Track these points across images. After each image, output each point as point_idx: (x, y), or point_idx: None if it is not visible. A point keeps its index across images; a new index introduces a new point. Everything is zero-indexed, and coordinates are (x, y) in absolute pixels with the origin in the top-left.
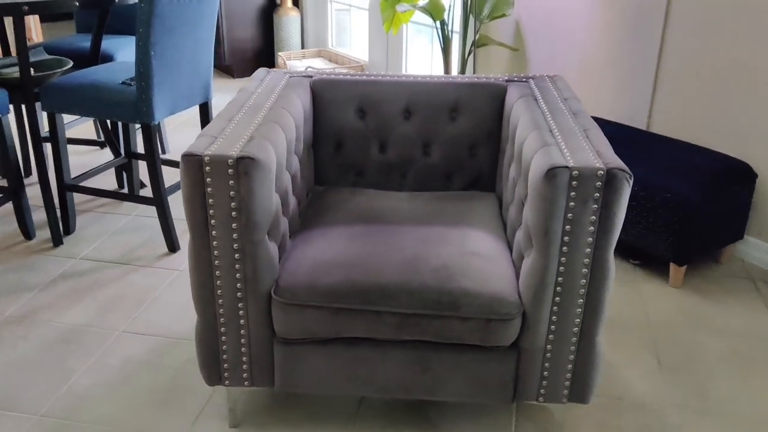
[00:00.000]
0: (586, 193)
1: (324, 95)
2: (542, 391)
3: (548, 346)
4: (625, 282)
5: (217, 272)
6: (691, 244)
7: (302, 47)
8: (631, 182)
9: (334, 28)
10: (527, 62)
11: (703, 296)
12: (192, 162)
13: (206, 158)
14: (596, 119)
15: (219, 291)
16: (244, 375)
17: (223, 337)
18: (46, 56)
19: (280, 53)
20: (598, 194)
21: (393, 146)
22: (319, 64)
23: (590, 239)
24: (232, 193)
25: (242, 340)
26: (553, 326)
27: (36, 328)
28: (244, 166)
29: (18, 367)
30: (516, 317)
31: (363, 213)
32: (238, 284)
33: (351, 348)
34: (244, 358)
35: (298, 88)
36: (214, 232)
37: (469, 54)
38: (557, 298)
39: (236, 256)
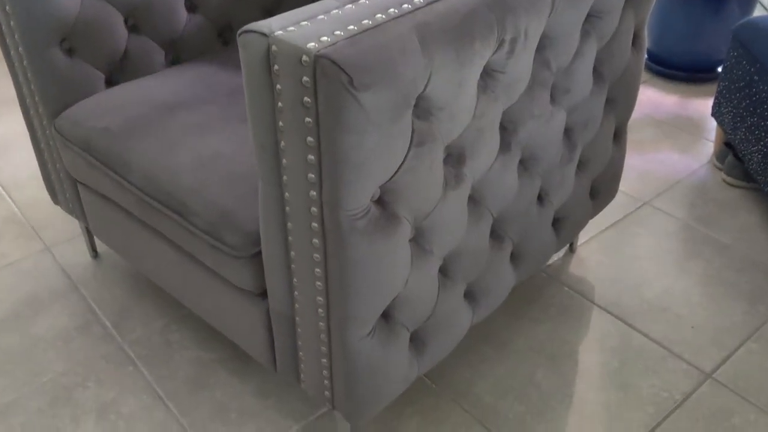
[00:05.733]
0: (291, 89)
1: None
2: (302, 377)
3: (297, 319)
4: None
5: (19, 78)
6: None
7: None
8: (361, 95)
9: None
10: None
11: None
12: None
13: None
14: None
15: (27, 100)
16: (70, 206)
17: (45, 155)
18: None
19: None
20: (308, 99)
21: None
22: None
23: (312, 176)
24: None
25: (57, 165)
26: (296, 292)
27: None
28: None
29: None
30: (243, 257)
31: None
32: (36, 97)
33: (126, 219)
34: (65, 185)
35: None
36: (6, 38)
37: None
38: (292, 252)
39: (24, 62)
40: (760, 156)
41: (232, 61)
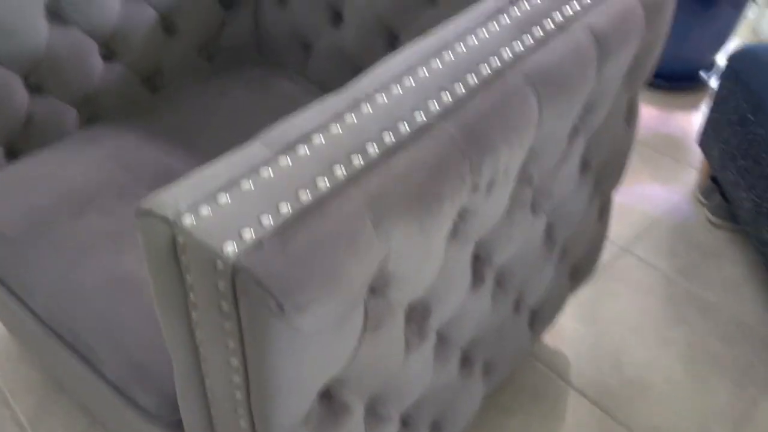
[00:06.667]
0: (205, 289)
1: None
2: None
3: None
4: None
5: None
6: None
7: None
8: (294, 319)
9: None
10: None
11: None
12: None
13: None
14: None
15: None
16: None
17: None
18: None
19: None
20: (226, 305)
21: (350, 22)
22: None
23: (237, 379)
24: None
25: None
26: None
27: None
28: None
29: None
30: (159, 423)
31: (198, 120)
32: None
33: (36, 335)
34: None
35: None
36: None
37: None
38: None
39: None
40: (750, 204)
41: (158, 123)
